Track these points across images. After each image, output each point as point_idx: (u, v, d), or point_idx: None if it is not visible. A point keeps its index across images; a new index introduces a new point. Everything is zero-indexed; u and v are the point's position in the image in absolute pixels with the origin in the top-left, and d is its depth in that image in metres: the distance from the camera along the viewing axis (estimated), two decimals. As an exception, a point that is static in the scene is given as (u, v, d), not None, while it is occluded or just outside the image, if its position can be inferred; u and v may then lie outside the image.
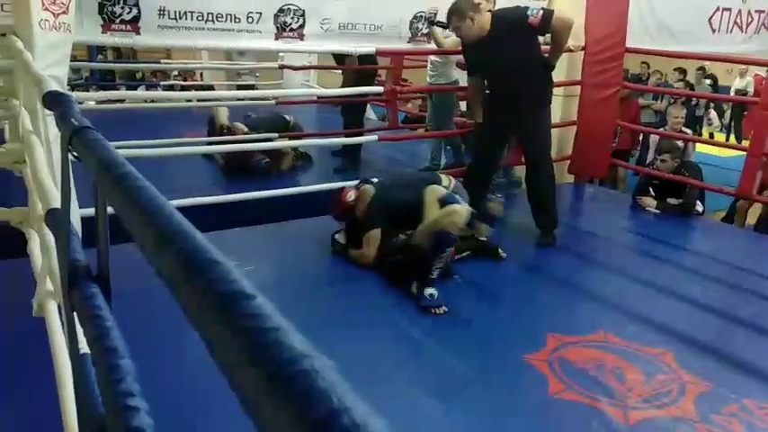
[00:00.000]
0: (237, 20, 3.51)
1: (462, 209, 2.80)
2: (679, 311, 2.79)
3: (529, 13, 3.19)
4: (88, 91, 6.18)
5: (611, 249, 3.67)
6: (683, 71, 8.10)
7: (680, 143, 4.61)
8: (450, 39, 4.08)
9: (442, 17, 3.78)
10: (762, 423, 2.00)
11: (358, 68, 4.83)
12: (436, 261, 2.70)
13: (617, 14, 4.32)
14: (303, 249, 3.29)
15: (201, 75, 9.20)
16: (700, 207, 4.15)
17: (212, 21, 3.43)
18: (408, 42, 4.12)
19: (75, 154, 0.92)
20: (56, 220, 1.15)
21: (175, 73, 8.72)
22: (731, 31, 5.14)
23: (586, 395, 2.10)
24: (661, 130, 5.42)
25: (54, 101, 1.03)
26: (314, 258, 3.20)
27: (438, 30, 4.07)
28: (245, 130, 4.69)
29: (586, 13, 4.33)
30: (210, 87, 7.89)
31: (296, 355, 0.28)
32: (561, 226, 3.66)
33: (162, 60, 7.66)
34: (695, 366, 2.31)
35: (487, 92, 3.57)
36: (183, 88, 7.55)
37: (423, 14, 4.06)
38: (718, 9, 5.00)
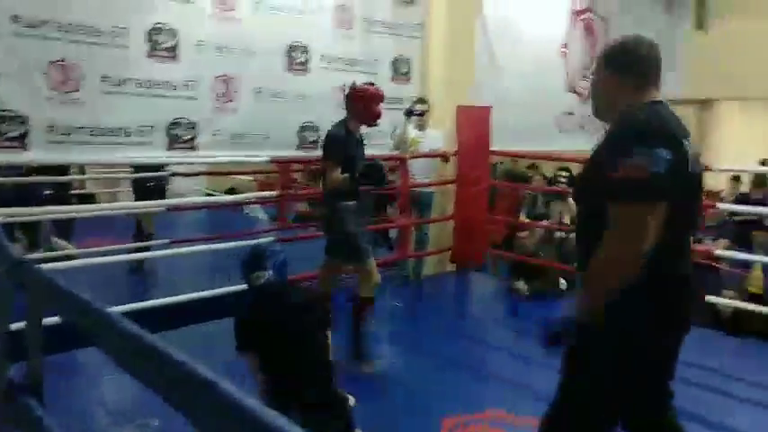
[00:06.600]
0: (128, 133, 3.62)
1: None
2: (555, 382, 3.10)
3: None
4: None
5: (490, 330, 4.05)
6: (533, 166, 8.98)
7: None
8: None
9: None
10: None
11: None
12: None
13: (480, 123, 4.94)
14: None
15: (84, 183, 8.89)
16: (564, 285, 4.66)
17: (103, 135, 3.51)
18: (297, 149, 4.41)
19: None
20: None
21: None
22: (576, 132, 5.99)
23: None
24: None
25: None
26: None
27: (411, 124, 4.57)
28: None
29: (456, 123, 4.91)
30: (92, 196, 7.65)
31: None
32: (447, 312, 3.93)
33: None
34: None
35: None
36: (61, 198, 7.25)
37: (310, 124, 4.39)
38: (563, 113, 5.85)
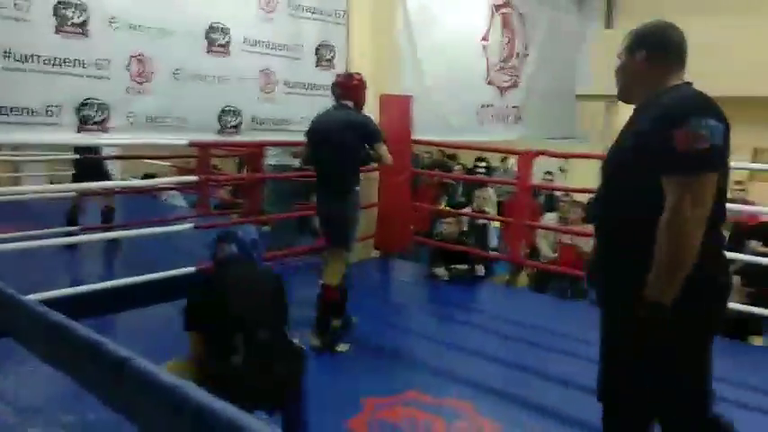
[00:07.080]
0: (34, 112, 3.40)
1: None
2: (474, 365, 3.24)
3: None
4: None
5: (413, 315, 4.15)
6: (453, 157, 9.23)
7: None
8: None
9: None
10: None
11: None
12: None
13: (402, 114, 4.99)
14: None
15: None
16: (481, 271, 4.83)
17: (6, 114, 3.29)
18: (217, 134, 4.30)
19: None
20: None
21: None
22: (493, 123, 6.19)
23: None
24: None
25: None
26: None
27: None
28: None
29: (380, 112, 4.95)
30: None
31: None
32: (370, 297, 3.98)
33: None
34: (490, 411, 2.71)
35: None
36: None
37: (231, 108, 4.28)
38: (482, 105, 6.02)
